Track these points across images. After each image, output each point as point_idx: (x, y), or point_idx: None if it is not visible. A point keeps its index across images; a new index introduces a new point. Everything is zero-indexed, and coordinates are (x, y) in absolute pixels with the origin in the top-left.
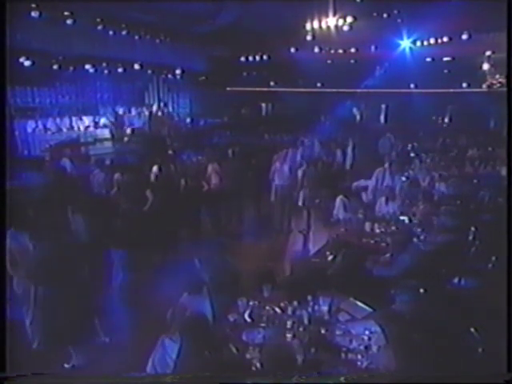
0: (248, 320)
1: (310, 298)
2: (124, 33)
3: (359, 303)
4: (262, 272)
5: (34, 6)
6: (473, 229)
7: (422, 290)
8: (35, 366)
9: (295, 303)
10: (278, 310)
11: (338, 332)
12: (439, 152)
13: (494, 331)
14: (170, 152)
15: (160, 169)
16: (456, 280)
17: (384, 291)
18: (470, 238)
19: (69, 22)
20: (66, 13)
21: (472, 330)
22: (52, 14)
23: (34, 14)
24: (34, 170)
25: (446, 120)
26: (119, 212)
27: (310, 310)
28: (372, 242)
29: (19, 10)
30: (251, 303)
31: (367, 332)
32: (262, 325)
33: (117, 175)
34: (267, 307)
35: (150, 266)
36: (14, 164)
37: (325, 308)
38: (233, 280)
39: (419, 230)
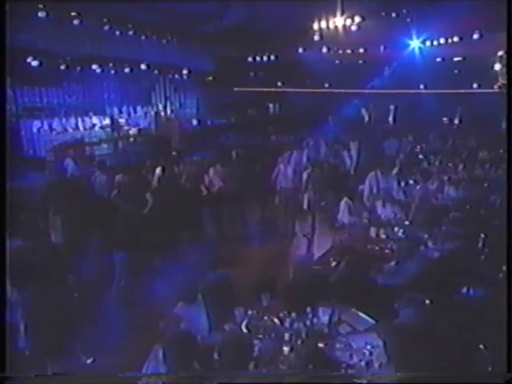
0: (245, 330)
1: (310, 307)
2: (131, 33)
3: (361, 314)
4: (264, 278)
5: (41, 6)
6: (482, 235)
7: (428, 301)
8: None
9: (295, 312)
10: (276, 320)
11: (338, 345)
12: (448, 154)
13: (505, 346)
14: (174, 153)
15: (163, 170)
16: (464, 290)
17: (388, 301)
18: (480, 245)
19: (76, 22)
20: (72, 13)
21: (481, 346)
22: (59, 15)
23: (40, 14)
24: (40, 170)
25: (456, 121)
26: (122, 213)
27: (309, 320)
28: (377, 248)
29: (26, 10)
30: (249, 312)
31: (369, 346)
32: (260, 336)
33: (120, 176)
34: (265, 317)
35: (148, 270)
36: (20, 164)
37: (325, 318)
38: (233, 286)
39: (426, 236)
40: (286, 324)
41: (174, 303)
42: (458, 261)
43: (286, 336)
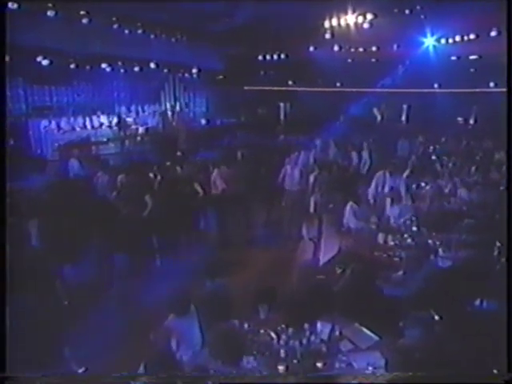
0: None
1: (310, 321)
2: (140, 32)
3: (365, 330)
4: (263, 288)
5: (50, 5)
6: (498, 244)
7: (438, 317)
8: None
9: (294, 326)
10: (274, 334)
11: (337, 365)
12: (463, 155)
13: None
14: (179, 153)
15: (161, 175)
16: (478, 303)
17: (394, 315)
18: (495, 253)
19: (85, 21)
20: (81, 12)
21: (495, 371)
22: (68, 14)
23: (50, 13)
24: (47, 170)
25: (471, 121)
26: (121, 215)
27: (308, 335)
28: (385, 255)
29: (36, 9)
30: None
31: (370, 368)
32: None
33: (123, 176)
34: (261, 331)
35: (142, 277)
36: (30, 163)
37: (325, 334)
38: (230, 296)
39: (437, 243)
40: (284, 339)
41: (168, 312)
42: (471, 271)
43: (282, 353)
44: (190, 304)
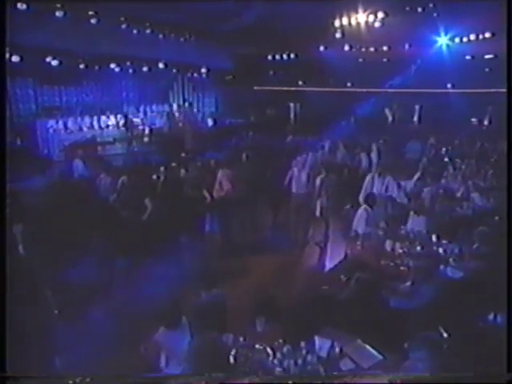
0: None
1: (310, 335)
2: (148, 31)
3: (367, 347)
4: (262, 298)
5: (58, 5)
6: None
7: (448, 334)
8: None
9: (292, 342)
10: (270, 350)
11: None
12: (477, 158)
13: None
14: (183, 154)
15: (169, 176)
16: (491, 317)
17: (401, 330)
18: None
19: (93, 21)
20: (90, 12)
21: None
22: (76, 14)
23: (58, 13)
24: (54, 170)
25: (486, 122)
26: (121, 218)
27: (305, 353)
28: (392, 264)
29: (44, 10)
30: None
31: None
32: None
33: (125, 177)
34: (257, 346)
35: (137, 283)
36: (39, 163)
37: (325, 351)
38: (226, 307)
39: (449, 252)
40: (281, 354)
41: (158, 323)
42: (483, 282)
43: (277, 371)
44: (182, 316)
